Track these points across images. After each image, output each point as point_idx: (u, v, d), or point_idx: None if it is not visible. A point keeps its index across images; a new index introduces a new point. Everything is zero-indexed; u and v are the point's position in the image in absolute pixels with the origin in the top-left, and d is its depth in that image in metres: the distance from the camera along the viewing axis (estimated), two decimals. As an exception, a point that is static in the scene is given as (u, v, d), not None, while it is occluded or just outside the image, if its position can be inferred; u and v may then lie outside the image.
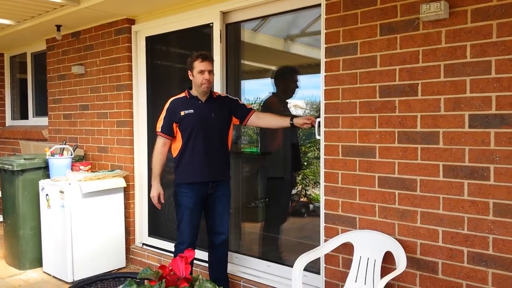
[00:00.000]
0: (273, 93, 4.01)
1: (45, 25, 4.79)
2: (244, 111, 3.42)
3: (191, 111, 3.27)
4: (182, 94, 3.38)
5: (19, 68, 6.70)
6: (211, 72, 3.26)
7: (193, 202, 3.31)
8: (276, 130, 3.75)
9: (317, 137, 3.15)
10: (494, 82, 2.39)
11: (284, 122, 3.32)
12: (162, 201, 3.44)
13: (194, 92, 3.34)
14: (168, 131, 3.32)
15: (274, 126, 3.51)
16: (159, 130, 3.34)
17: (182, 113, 3.27)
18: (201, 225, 3.45)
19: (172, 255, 3.96)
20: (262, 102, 4.02)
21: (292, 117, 3.29)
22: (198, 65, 3.22)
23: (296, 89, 3.83)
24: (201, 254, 3.71)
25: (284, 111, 3.82)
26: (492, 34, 2.39)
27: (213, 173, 3.32)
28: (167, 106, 3.35)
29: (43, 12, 4.48)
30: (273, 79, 4.07)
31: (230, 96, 3.52)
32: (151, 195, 3.44)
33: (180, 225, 3.36)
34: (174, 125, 3.31)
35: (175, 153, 3.37)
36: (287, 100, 3.87)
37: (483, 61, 2.42)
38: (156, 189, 3.40)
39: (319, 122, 3.12)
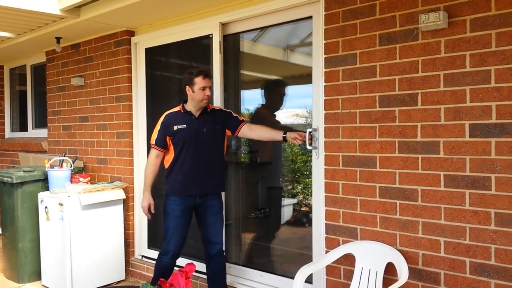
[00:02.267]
0: (263, 104, 4.05)
1: (45, 37, 4.80)
2: (235, 122, 3.43)
3: (184, 126, 3.31)
4: (177, 108, 3.42)
5: (18, 80, 6.71)
6: (210, 88, 3.32)
7: (180, 210, 3.34)
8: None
9: (308, 147, 3.19)
10: (494, 91, 2.38)
11: (277, 135, 3.29)
12: (153, 211, 3.46)
13: (188, 106, 3.37)
14: (161, 144, 3.38)
15: (266, 139, 3.46)
16: (153, 143, 3.41)
17: (175, 127, 3.31)
18: (199, 237, 3.46)
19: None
20: (253, 113, 4.04)
21: (286, 130, 3.27)
22: (201, 81, 3.24)
23: (283, 102, 3.85)
24: (201, 266, 3.68)
25: (276, 121, 3.84)
26: (491, 44, 2.39)
27: (202, 187, 3.34)
28: (161, 120, 3.40)
29: (43, 24, 4.49)
30: (262, 90, 4.10)
31: (224, 109, 3.55)
32: (142, 205, 3.47)
33: (166, 233, 3.38)
34: (168, 138, 3.36)
35: (167, 165, 3.42)
36: (275, 112, 3.89)
37: (483, 70, 2.42)
38: (147, 199, 3.44)
39: (309, 133, 3.14)
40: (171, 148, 3.37)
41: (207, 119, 3.37)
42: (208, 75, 3.29)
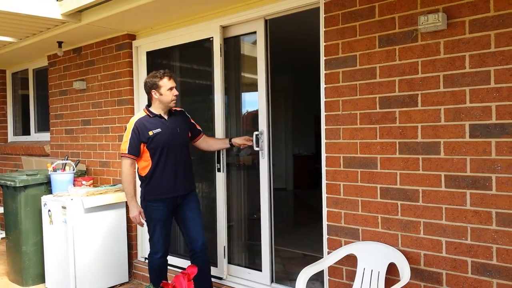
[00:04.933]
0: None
1: (46, 41, 4.83)
2: (195, 131, 3.61)
3: (159, 130, 3.32)
4: (143, 113, 3.40)
5: (21, 84, 6.73)
6: (176, 88, 3.39)
7: (164, 214, 3.39)
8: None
9: (255, 149, 3.57)
10: (494, 91, 2.40)
11: (224, 143, 3.67)
12: (144, 219, 3.44)
13: (156, 110, 3.39)
14: (135, 152, 3.33)
15: (216, 148, 3.76)
16: (126, 152, 3.33)
17: (151, 133, 3.30)
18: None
19: (174, 269, 3.96)
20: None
21: (230, 138, 3.66)
22: (167, 83, 3.32)
23: None
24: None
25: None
26: (490, 44, 2.40)
27: (183, 186, 3.41)
28: (132, 127, 3.33)
29: (44, 29, 4.52)
30: None
31: (185, 111, 3.61)
32: (132, 215, 3.41)
33: (153, 236, 3.43)
34: (142, 145, 3.33)
35: (144, 171, 3.38)
36: None
37: (482, 71, 2.43)
38: (136, 208, 3.41)
39: (256, 135, 3.54)
40: (146, 154, 3.34)
41: (176, 120, 3.45)
42: (172, 76, 3.37)
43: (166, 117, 3.40)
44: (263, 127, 3.59)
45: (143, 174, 3.38)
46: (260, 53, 3.59)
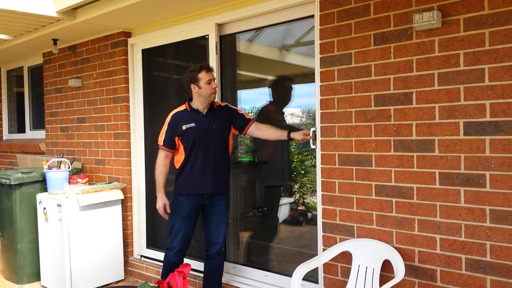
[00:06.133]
0: (270, 101, 4.05)
1: (41, 39, 4.81)
2: (243, 121, 3.42)
3: (193, 124, 3.29)
4: (183, 107, 3.39)
5: (16, 81, 6.71)
6: (215, 80, 3.32)
7: (187, 210, 3.35)
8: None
9: (312, 146, 3.18)
10: (488, 89, 2.41)
11: (282, 135, 3.30)
12: (168, 211, 3.44)
13: (195, 104, 3.35)
14: (169, 145, 3.36)
15: (272, 138, 3.45)
16: (161, 144, 3.37)
17: (184, 127, 3.29)
18: (200, 237, 3.46)
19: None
20: (259, 110, 4.04)
21: (290, 130, 3.27)
22: (205, 75, 3.25)
23: (291, 98, 3.85)
24: (200, 265, 3.71)
25: (281, 119, 3.85)
26: (484, 43, 2.41)
27: (212, 185, 3.34)
28: (168, 120, 3.36)
29: (39, 26, 4.50)
30: (269, 88, 4.10)
31: (230, 105, 3.52)
32: (157, 206, 3.44)
33: (172, 230, 3.40)
34: (176, 138, 3.33)
35: (177, 164, 3.39)
36: (284, 109, 3.90)
37: (477, 69, 2.44)
38: (161, 199, 3.42)
39: (313, 132, 3.16)
40: (181, 147, 3.35)
41: (214, 116, 3.37)
42: (210, 68, 3.31)
43: (204, 112, 3.34)
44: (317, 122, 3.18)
45: (176, 167, 3.38)
46: (317, 39, 3.15)
